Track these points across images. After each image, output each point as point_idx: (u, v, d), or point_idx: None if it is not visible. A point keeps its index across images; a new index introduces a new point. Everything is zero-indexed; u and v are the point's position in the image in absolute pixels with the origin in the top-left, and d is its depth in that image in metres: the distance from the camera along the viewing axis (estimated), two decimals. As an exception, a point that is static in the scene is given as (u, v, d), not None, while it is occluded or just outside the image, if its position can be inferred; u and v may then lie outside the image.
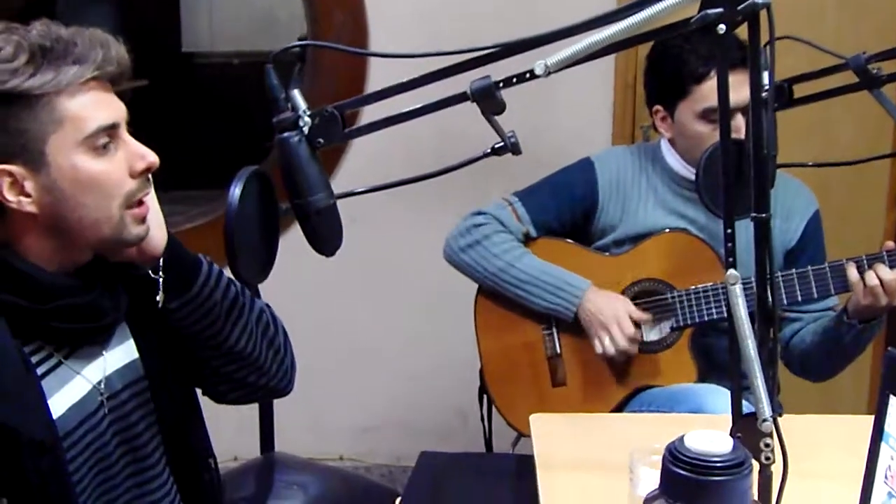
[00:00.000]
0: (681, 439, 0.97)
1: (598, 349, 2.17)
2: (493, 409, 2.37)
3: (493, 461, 2.39)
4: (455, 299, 2.40)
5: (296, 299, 2.58)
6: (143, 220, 1.35)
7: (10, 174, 1.25)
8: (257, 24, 5.47)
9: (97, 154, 1.28)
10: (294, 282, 2.52)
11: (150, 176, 1.36)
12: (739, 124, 1.92)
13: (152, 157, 1.34)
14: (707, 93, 2.09)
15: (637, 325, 2.17)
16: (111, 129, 1.29)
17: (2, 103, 1.22)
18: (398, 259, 3.17)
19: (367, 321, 3.25)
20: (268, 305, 1.60)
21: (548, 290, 2.20)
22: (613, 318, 2.15)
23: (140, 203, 1.34)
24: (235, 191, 1.21)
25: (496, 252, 2.24)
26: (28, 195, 1.26)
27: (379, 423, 3.34)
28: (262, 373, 1.54)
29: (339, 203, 1.30)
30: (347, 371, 3.26)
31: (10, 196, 1.26)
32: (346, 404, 3.31)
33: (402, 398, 3.30)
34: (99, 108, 1.28)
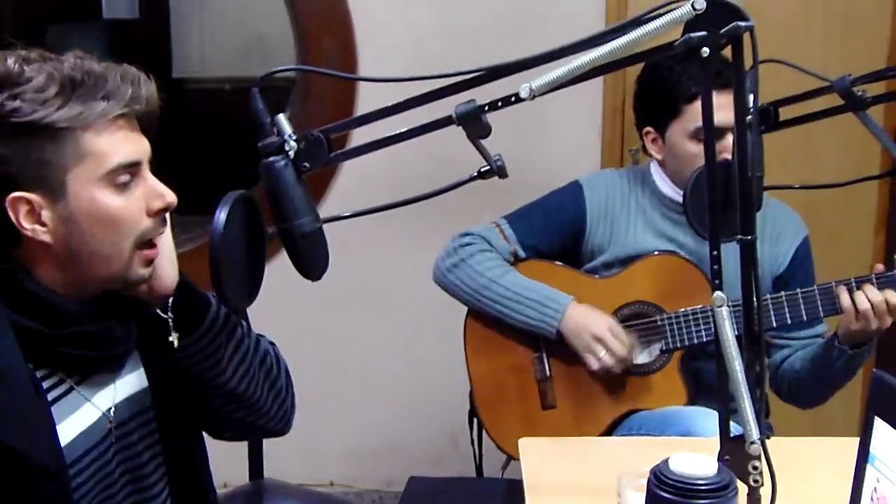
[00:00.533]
0: (665, 462, 0.97)
1: (594, 364, 2.14)
2: (484, 433, 2.36)
3: (482, 485, 2.38)
4: (445, 323, 2.39)
5: (285, 324, 2.56)
6: (149, 262, 1.34)
7: (28, 202, 1.25)
8: (248, 49, 5.46)
9: (116, 190, 1.28)
10: (283, 306, 2.52)
11: (166, 216, 1.36)
12: (730, 144, 1.92)
13: (171, 198, 1.33)
14: (699, 112, 2.08)
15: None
16: (133, 167, 1.29)
17: (27, 133, 1.22)
18: (387, 283, 3.17)
19: (356, 345, 3.24)
20: (272, 344, 1.59)
21: (529, 307, 2.18)
22: (606, 328, 2.14)
23: (151, 245, 1.34)
24: (220, 216, 1.20)
25: (479, 270, 2.23)
26: (44, 224, 1.26)
27: (369, 449, 3.32)
28: (260, 414, 1.53)
29: (328, 228, 1.30)
30: (337, 396, 3.25)
31: (26, 224, 1.26)
32: (336, 429, 3.29)
33: (393, 423, 3.29)
34: (123, 145, 1.28)
